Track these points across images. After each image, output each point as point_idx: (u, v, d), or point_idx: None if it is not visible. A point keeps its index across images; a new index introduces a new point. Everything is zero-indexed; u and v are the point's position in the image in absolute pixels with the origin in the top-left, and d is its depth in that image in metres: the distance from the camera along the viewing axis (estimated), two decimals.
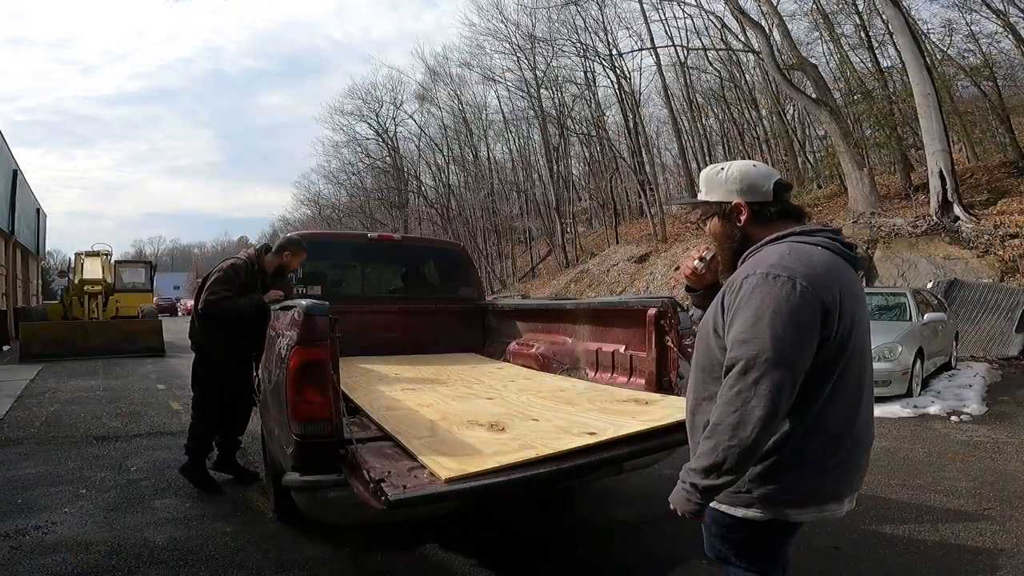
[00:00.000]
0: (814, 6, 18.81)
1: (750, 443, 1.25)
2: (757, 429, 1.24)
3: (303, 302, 2.41)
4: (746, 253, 1.45)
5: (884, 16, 15.60)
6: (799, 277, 1.29)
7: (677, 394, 3.03)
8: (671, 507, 1.40)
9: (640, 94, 25.66)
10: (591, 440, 2.23)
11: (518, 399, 3.09)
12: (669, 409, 2.65)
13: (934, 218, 12.52)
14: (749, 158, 23.68)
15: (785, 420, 1.31)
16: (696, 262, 1.65)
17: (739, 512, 1.40)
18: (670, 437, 2.40)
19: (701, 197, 1.55)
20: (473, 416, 2.68)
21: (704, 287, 1.67)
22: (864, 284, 11.32)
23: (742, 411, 1.25)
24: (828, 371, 1.33)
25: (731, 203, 1.48)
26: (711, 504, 1.38)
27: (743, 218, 1.47)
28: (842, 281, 1.34)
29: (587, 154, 29.59)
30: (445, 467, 1.98)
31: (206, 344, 3.83)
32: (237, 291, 3.68)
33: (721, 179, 1.50)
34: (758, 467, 1.35)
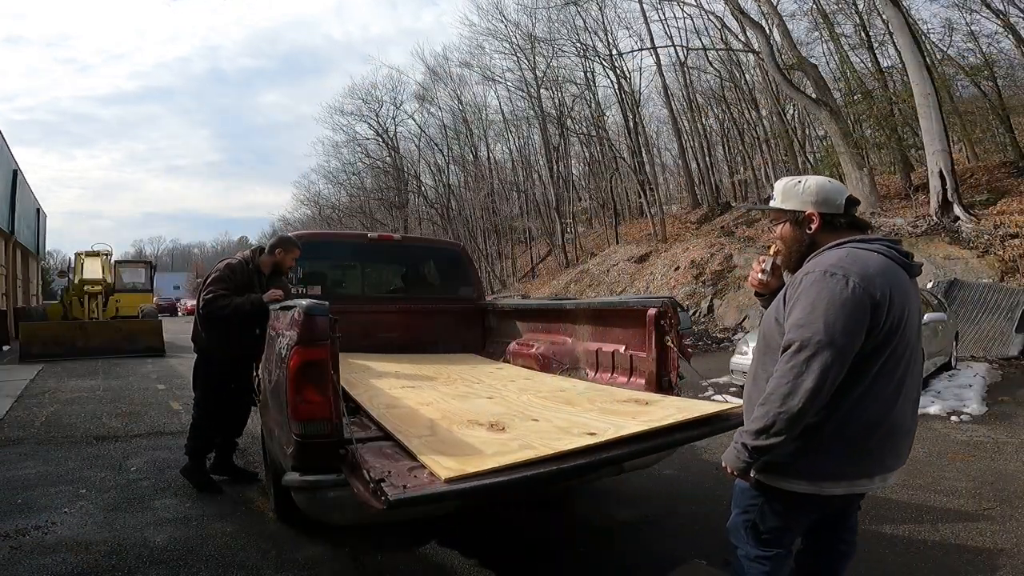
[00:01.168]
0: (814, 6, 18.83)
1: (797, 411, 1.47)
2: (804, 399, 1.46)
3: (303, 302, 2.41)
4: (810, 256, 1.66)
5: (884, 16, 15.61)
6: (852, 275, 1.49)
7: (677, 394, 3.03)
8: (723, 465, 1.64)
9: (640, 94, 25.71)
10: (591, 441, 2.23)
11: (518, 399, 3.08)
12: (669, 410, 2.64)
13: (934, 218, 12.52)
14: (749, 158, 23.63)
15: (830, 400, 1.50)
16: (760, 274, 1.86)
17: (782, 484, 1.60)
18: (670, 437, 2.40)
19: (776, 204, 1.75)
20: (473, 416, 2.68)
21: (771, 292, 1.85)
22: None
23: (793, 383, 1.47)
24: (872, 360, 1.52)
25: (804, 212, 1.69)
26: (756, 477, 1.61)
27: (814, 226, 1.68)
28: (892, 282, 1.53)
29: (587, 154, 29.61)
30: (445, 467, 1.98)
31: (207, 344, 3.83)
32: (234, 291, 3.68)
33: (798, 190, 1.71)
34: (802, 442, 1.53)
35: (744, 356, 7.03)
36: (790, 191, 1.73)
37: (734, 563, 1.76)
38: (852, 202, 1.69)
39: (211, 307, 3.66)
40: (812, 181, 1.71)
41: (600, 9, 23.65)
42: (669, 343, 3.04)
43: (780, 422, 1.48)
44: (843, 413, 1.53)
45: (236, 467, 4.08)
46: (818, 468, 1.56)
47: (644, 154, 24.11)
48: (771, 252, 1.84)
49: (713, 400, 4.00)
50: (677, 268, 16.03)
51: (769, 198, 1.81)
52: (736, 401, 2.91)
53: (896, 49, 16.29)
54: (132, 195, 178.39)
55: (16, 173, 18.90)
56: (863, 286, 1.47)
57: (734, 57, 22.44)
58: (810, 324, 1.48)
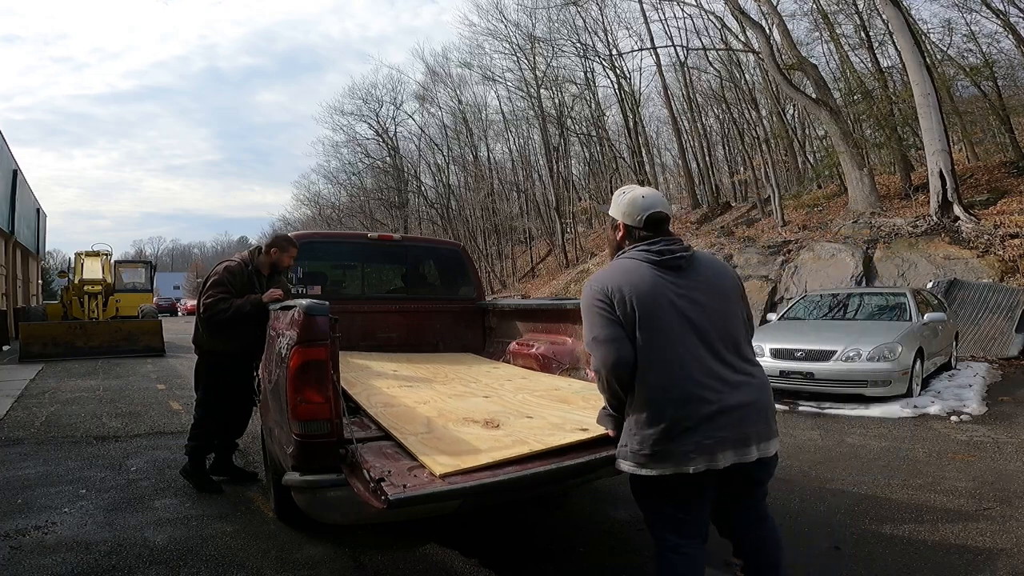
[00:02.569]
0: (814, 6, 18.82)
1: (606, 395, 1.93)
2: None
3: (303, 302, 2.41)
4: (616, 255, 1.99)
5: (884, 16, 15.60)
6: (595, 284, 1.87)
7: None
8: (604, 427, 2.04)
9: (640, 94, 25.73)
10: (583, 436, 2.28)
11: (514, 397, 3.12)
12: None
13: (934, 218, 12.52)
14: (749, 158, 23.61)
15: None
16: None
17: (626, 469, 1.85)
18: None
19: (608, 207, 2.03)
20: (469, 413, 2.71)
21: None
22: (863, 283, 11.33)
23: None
24: (640, 345, 1.78)
25: (617, 221, 1.98)
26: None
27: (619, 235, 1.98)
28: (631, 281, 1.82)
29: (587, 154, 29.61)
30: (440, 463, 2.02)
31: (209, 345, 3.84)
32: (235, 293, 3.69)
33: (619, 200, 1.98)
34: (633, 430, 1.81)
35: None
36: (616, 199, 2.00)
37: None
38: (654, 222, 1.92)
39: (212, 311, 3.66)
40: (631, 194, 1.97)
41: (600, 9, 23.69)
42: None
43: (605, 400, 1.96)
44: (639, 403, 1.78)
45: (236, 467, 4.07)
46: (644, 454, 1.77)
47: (644, 154, 24.12)
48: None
49: None
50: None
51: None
52: None
53: (896, 49, 16.29)
54: (130, 195, 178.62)
55: (16, 173, 18.90)
56: (601, 290, 1.83)
57: (734, 57, 22.43)
58: (585, 332, 1.88)
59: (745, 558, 1.97)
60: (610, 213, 2.01)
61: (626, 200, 1.96)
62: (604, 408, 2.02)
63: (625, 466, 1.83)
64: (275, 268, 3.92)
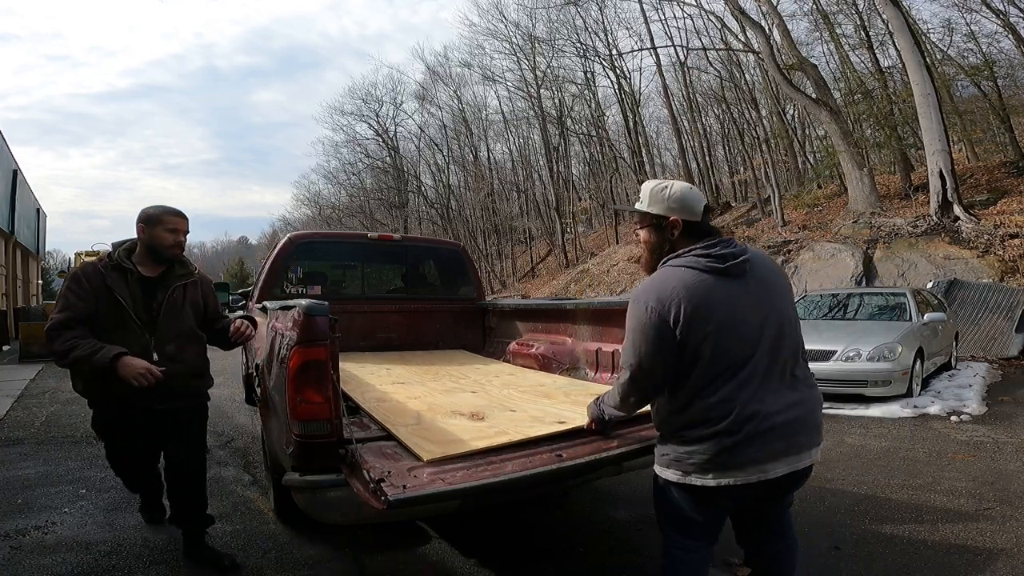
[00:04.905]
0: (814, 6, 18.83)
1: (621, 414, 2.01)
2: (623, 407, 1.93)
3: (303, 302, 2.41)
4: (664, 260, 1.78)
5: (884, 16, 15.60)
6: (651, 301, 1.66)
7: None
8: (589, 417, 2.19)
9: (640, 94, 25.74)
10: (560, 428, 2.39)
11: (500, 392, 3.20)
12: None
13: (934, 218, 12.52)
14: (749, 158, 23.68)
15: (686, 400, 1.69)
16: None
17: (663, 474, 1.80)
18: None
19: (643, 208, 1.82)
20: (457, 407, 2.80)
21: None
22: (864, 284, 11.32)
23: (620, 392, 1.88)
24: (699, 362, 1.65)
25: (668, 218, 1.76)
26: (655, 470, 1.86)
27: (676, 232, 1.76)
28: (692, 293, 1.64)
29: (587, 154, 29.60)
30: (427, 450, 2.14)
31: (79, 388, 2.73)
32: (84, 317, 2.46)
33: (664, 195, 1.77)
34: (675, 438, 1.74)
35: None
36: (656, 195, 1.78)
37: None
38: (708, 209, 1.80)
39: (51, 349, 2.45)
40: (677, 187, 1.78)
41: (600, 9, 23.70)
42: None
43: (613, 417, 2.04)
44: (698, 412, 1.66)
45: (208, 549, 2.84)
46: (691, 462, 1.68)
47: (644, 154, 24.11)
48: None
49: None
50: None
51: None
52: None
53: (896, 49, 16.30)
54: (128, 194, 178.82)
55: (16, 173, 18.90)
56: (657, 310, 1.64)
57: (734, 57, 22.43)
58: (626, 349, 1.74)
59: (757, 566, 1.92)
60: (651, 211, 1.79)
61: (676, 193, 1.76)
62: (602, 403, 2.00)
63: (668, 473, 1.74)
64: (157, 254, 2.61)
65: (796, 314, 1.81)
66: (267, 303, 3.49)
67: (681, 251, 1.72)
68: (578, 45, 24.45)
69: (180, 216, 2.65)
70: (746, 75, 23.42)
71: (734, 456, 1.63)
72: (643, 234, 1.83)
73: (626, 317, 1.74)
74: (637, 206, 1.84)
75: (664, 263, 1.75)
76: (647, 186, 1.82)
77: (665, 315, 1.63)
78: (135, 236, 2.64)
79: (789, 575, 1.89)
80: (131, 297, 2.55)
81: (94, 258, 2.58)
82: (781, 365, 1.69)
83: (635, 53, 24.38)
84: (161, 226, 2.57)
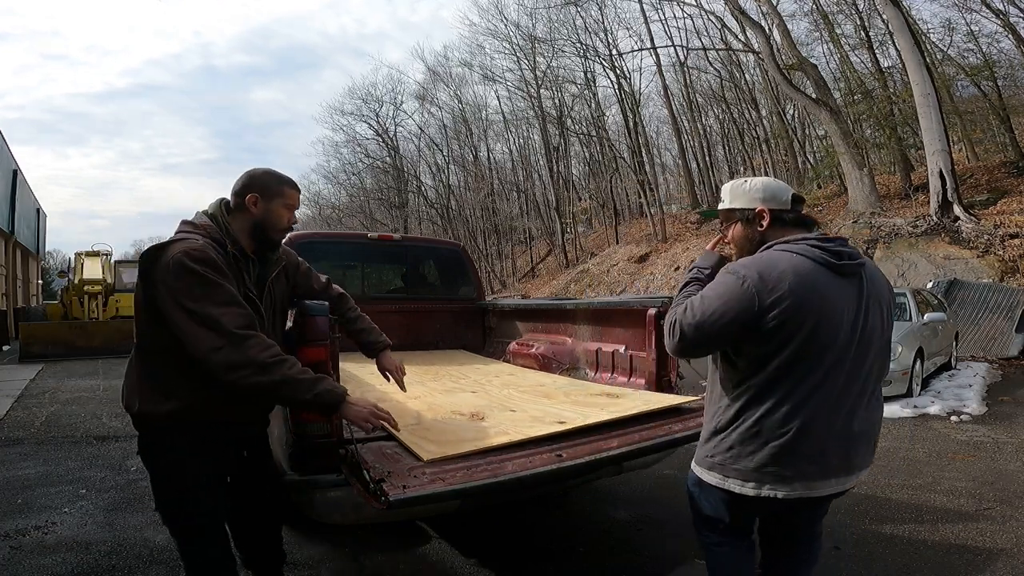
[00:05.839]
0: (814, 6, 18.83)
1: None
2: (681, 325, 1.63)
3: (303, 302, 2.41)
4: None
5: (884, 16, 15.60)
6: (751, 275, 1.51)
7: (676, 394, 3.03)
8: None
9: (640, 94, 25.72)
10: (560, 428, 2.38)
11: (500, 392, 3.19)
12: (636, 401, 2.81)
13: (934, 218, 12.52)
14: (749, 158, 23.71)
15: (743, 402, 1.58)
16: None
17: (704, 476, 1.72)
18: (670, 436, 2.41)
19: (725, 205, 1.75)
20: (457, 407, 2.80)
21: None
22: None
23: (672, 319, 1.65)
24: (782, 363, 1.52)
25: (755, 209, 1.68)
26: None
27: (764, 222, 1.67)
28: (802, 283, 1.50)
29: (587, 154, 29.61)
30: (427, 450, 2.13)
31: (166, 407, 1.79)
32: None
33: (746, 189, 1.71)
34: (720, 440, 1.64)
35: None
36: (738, 191, 1.73)
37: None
38: (797, 199, 1.70)
39: (248, 356, 1.65)
40: (758, 180, 1.72)
41: (600, 9, 23.68)
42: None
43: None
44: (758, 415, 1.55)
45: None
46: (734, 467, 1.60)
47: (644, 154, 24.10)
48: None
49: None
50: (677, 268, 16.04)
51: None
52: None
53: (896, 49, 16.30)
54: (127, 194, 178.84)
55: (16, 173, 18.91)
56: (756, 288, 1.49)
57: (734, 57, 22.44)
58: (693, 305, 1.59)
59: (775, 569, 1.87)
60: (733, 206, 1.73)
61: (758, 184, 1.69)
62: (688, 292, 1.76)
63: (709, 477, 1.67)
64: (265, 236, 1.93)
65: (890, 334, 1.69)
66: None
67: (791, 238, 1.60)
68: (578, 45, 24.47)
69: (298, 190, 2.05)
70: (746, 75, 23.44)
71: (784, 468, 1.53)
72: (730, 233, 1.76)
73: (712, 282, 1.64)
74: (720, 206, 1.78)
75: (769, 247, 1.61)
76: (727, 185, 1.78)
77: (761, 296, 1.48)
78: (218, 205, 1.92)
79: None
80: (256, 290, 1.90)
81: (195, 235, 1.80)
82: (861, 382, 1.57)
83: (635, 53, 24.42)
84: (280, 200, 1.94)
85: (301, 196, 2.14)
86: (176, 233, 1.84)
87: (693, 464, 1.76)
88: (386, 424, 2.00)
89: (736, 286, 1.51)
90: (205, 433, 1.81)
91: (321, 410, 1.82)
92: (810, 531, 1.81)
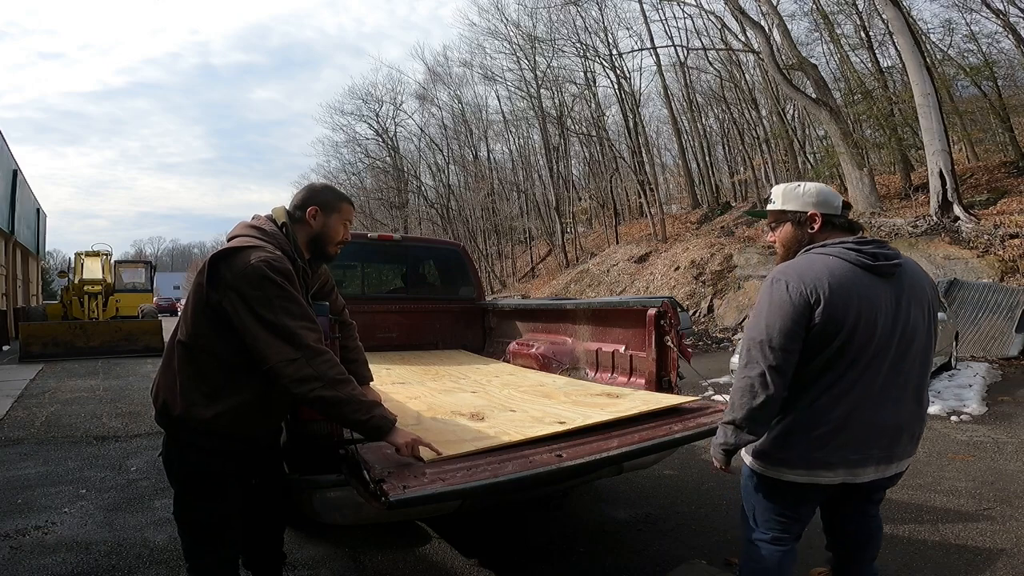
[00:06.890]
0: (814, 6, 18.82)
1: (754, 405, 1.64)
2: (759, 396, 1.65)
3: None
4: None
5: (884, 16, 15.60)
6: (792, 280, 1.62)
7: (677, 394, 3.03)
8: (712, 463, 1.84)
9: (640, 94, 25.72)
10: (560, 428, 2.37)
11: (500, 393, 3.19)
12: (636, 401, 2.80)
13: (934, 218, 12.52)
14: (749, 158, 23.68)
15: (792, 393, 1.65)
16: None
17: (761, 470, 1.77)
18: (670, 437, 2.41)
19: (777, 207, 1.83)
20: (457, 407, 2.79)
21: None
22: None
23: (746, 381, 1.67)
24: (828, 356, 1.62)
25: (807, 213, 1.77)
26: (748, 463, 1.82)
27: (816, 226, 1.76)
28: (840, 284, 1.60)
29: (587, 154, 29.62)
30: (426, 451, 2.11)
31: (201, 414, 1.78)
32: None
33: (799, 192, 1.80)
34: (772, 431, 1.71)
35: None
36: (791, 194, 1.81)
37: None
38: (847, 205, 1.81)
39: (317, 370, 1.70)
40: (811, 185, 1.81)
41: (600, 9, 23.69)
42: (669, 343, 3.04)
43: (743, 442, 1.70)
44: (803, 405, 1.65)
45: None
46: (781, 456, 1.69)
47: (644, 154, 24.09)
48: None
49: (713, 400, 4.00)
50: (677, 268, 16.04)
51: (767, 201, 1.89)
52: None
53: (896, 49, 16.30)
54: (125, 193, 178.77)
55: (16, 173, 18.90)
56: (799, 289, 1.60)
57: (734, 57, 22.44)
58: (755, 327, 1.65)
59: (839, 555, 1.98)
60: (785, 208, 1.80)
61: (812, 189, 1.78)
62: (724, 429, 1.69)
63: (760, 467, 1.74)
64: (321, 250, 2.04)
65: (934, 332, 1.74)
66: None
67: (828, 241, 1.70)
68: (578, 45, 24.46)
69: (354, 207, 2.13)
70: (746, 75, 23.43)
71: (829, 456, 1.63)
72: (777, 234, 1.83)
73: (758, 298, 1.69)
74: (770, 207, 1.85)
75: (806, 251, 1.72)
76: (779, 187, 1.85)
77: (807, 296, 1.59)
78: (285, 215, 1.94)
79: (870, 562, 1.93)
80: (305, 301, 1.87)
81: (268, 243, 1.79)
82: (903, 377, 1.66)
83: (635, 53, 24.43)
84: (338, 215, 1.99)
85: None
86: (243, 237, 1.82)
87: (743, 455, 1.80)
88: (422, 453, 2.00)
89: (784, 294, 1.61)
90: (236, 438, 1.85)
91: (370, 433, 1.86)
92: (864, 518, 1.90)
